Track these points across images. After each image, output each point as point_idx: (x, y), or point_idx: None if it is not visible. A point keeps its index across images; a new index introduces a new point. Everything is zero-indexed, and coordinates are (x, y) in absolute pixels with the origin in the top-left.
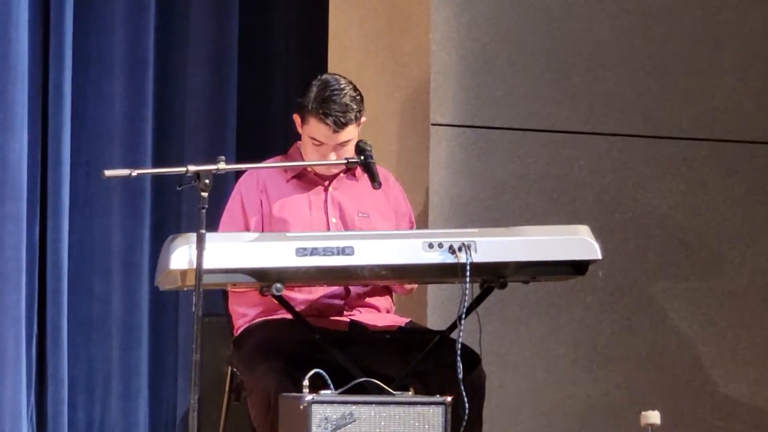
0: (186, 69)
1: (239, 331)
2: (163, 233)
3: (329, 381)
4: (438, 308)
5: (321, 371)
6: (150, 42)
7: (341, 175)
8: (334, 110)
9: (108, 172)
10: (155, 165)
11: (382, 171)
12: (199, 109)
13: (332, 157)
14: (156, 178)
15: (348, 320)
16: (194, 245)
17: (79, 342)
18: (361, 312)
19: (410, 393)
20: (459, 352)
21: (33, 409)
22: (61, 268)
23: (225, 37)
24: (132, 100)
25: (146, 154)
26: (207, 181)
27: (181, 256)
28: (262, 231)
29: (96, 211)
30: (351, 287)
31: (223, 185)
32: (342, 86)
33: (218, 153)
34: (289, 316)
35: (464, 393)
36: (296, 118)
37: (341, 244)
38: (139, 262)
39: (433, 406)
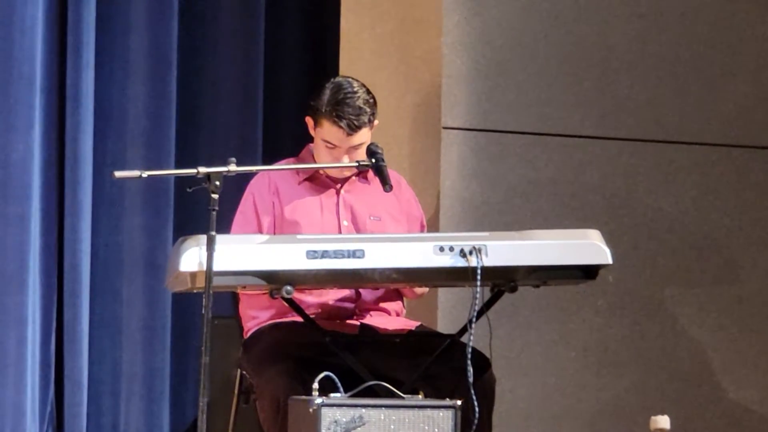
0: (210, 70)
1: (249, 334)
2: (187, 235)
3: (339, 384)
4: (448, 312)
5: (331, 374)
6: (174, 42)
7: (353, 178)
8: (347, 113)
9: (118, 174)
10: (179, 166)
11: (394, 175)
12: (225, 110)
13: (345, 160)
14: (179, 179)
15: (358, 323)
16: (204, 247)
17: (104, 344)
18: (371, 315)
19: (420, 396)
20: (469, 355)
21: (53, 410)
22: (79, 269)
23: (250, 37)
24: (156, 101)
25: (170, 155)
26: (217, 182)
27: (191, 258)
28: (274, 233)
29: (120, 212)
30: (361, 290)
31: (245, 186)
32: (355, 89)
33: (245, 155)
34: (299, 319)
35: (474, 397)
36: (309, 120)
37: (352, 247)
38: (163, 264)
39: (442, 409)
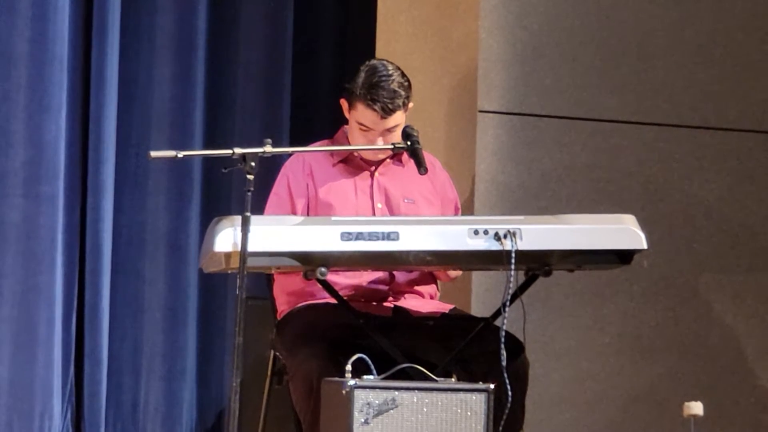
0: (237, 51)
1: (282, 315)
2: (211, 216)
3: (372, 366)
4: (482, 295)
5: (364, 356)
6: (201, 23)
7: (388, 160)
8: (382, 96)
9: (154, 153)
10: (204, 147)
11: (428, 157)
12: (252, 92)
13: (379, 143)
14: (205, 160)
15: (392, 306)
16: (239, 228)
17: (125, 324)
18: (405, 297)
19: (453, 379)
20: (503, 339)
21: (72, 388)
22: (100, 248)
23: (279, 18)
24: (182, 82)
25: (195, 137)
26: (253, 164)
27: (225, 238)
28: (308, 214)
29: (145, 192)
30: (395, 273)
31: (274, 168)
32: (390, 72)
33: (271, 136)
34: (333, 300)
35: (507, 380)
36: (343, 102)
37: (386, 229)
38: (187, 245)
39: (475, 393)
